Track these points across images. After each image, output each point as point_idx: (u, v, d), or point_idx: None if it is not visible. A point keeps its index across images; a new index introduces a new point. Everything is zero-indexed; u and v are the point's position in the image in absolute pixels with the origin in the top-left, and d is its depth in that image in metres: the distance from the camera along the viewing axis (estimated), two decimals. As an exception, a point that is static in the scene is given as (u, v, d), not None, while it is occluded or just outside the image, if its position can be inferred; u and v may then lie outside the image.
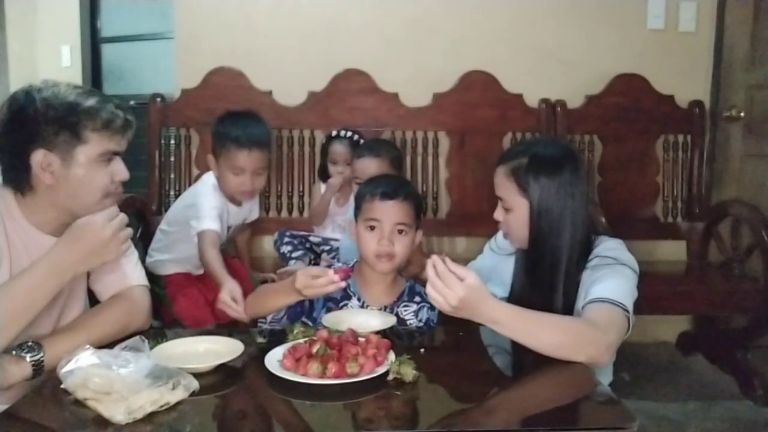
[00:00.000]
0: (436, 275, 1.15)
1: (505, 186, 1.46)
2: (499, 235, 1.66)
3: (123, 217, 1.28)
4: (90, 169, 1.27)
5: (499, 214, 1.50)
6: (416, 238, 1.54)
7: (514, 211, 1.45)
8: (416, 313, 1.54)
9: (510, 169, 1.45)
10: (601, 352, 1.21)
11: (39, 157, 1.24)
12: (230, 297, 1.97)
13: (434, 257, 1.18)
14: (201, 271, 2.16)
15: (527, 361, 1.25)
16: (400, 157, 2.38)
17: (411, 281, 1.59)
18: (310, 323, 1.47)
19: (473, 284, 1.15)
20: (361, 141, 2.47)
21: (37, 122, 1.23)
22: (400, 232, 1.48)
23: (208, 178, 2.15)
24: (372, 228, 1.48)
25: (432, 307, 1.54)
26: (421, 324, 1.53)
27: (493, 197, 1.51)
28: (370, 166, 2.14)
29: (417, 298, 1.56)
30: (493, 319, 1.18)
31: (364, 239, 1.49)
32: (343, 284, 1.33)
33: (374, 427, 0.98)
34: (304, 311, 1.52)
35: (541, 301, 1.35)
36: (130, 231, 1.29)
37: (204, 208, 2.06)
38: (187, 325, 2.01)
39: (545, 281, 1.42)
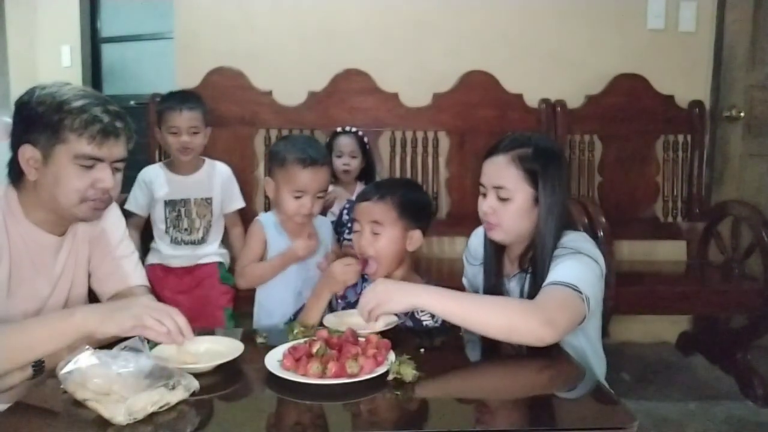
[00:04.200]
0: (365, 313, 1.28)
1: (508, 173, 1.41)
2: (471, 244, 1.65)
3: (183, 322, 1.17)
4: (67, 169, 1.24)
5: (490, 205, 1.44)
6: (408, 239, 1.53)
7: (514, 200, 1.41)
8: (433, 315, 1.53)
9: (515, 155, 1.41)
10: (541, 323, 1.18)
11: (26, 152, 1.25)
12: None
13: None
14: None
15: (527, 362, 1.25)
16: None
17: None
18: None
19: (376, 283, 1.30)
20: (365, 138, 2.46)
21: (30, 117, 1.24)
22: (375, 234, 1.51)
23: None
24: (356, 231, 1.55)
25: None
26: (437, 326, 1.52)
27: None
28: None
29: None
30: (425, 296, 1.26)
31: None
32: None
33: (374, 427, 0.98)
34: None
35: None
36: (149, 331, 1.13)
37: (134, 188, 2.22)
38: None
39: (537, 273, 1.39)
